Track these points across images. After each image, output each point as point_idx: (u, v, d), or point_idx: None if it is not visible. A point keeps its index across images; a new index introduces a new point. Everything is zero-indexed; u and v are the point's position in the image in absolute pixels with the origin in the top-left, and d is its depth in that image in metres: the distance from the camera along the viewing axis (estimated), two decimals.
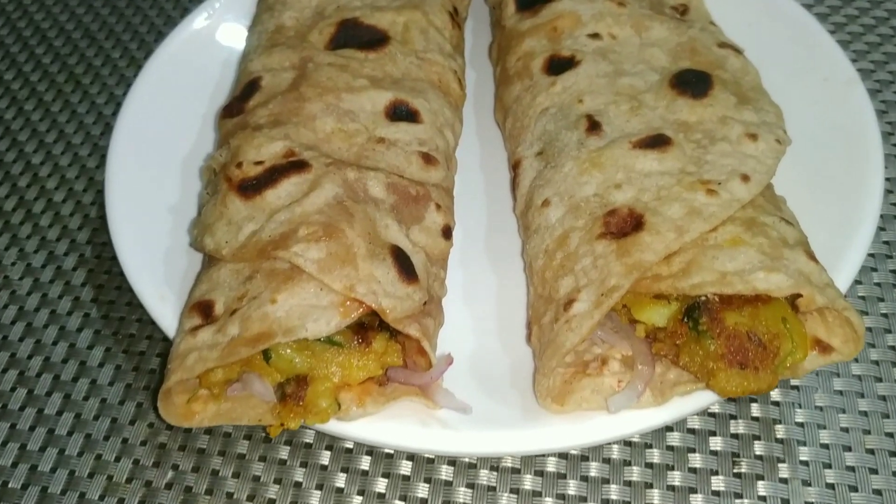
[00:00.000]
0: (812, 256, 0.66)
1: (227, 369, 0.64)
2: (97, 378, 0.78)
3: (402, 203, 0.73)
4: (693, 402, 0.65)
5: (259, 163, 0.72)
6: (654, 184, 0.70)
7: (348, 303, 0.63)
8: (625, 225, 0.67)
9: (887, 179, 0.86)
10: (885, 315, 0.78)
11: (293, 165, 0.71)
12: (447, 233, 0.75)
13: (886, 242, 0.83)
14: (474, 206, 0.86)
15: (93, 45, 1.13)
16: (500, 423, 0.66)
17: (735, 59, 0.86)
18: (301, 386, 0.64)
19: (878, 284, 0.80)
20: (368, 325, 0.65)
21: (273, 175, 0.70)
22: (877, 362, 0.75)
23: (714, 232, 0.66)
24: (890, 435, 0.71)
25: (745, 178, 0.69)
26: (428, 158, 0.77)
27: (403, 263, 0.67)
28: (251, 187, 0.70)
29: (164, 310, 0.73)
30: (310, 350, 0.64)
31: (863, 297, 0.80)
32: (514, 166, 0.80)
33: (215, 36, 1.00)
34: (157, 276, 0.76)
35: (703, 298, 0.63)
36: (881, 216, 0.79)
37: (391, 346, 0.66)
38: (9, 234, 0.91)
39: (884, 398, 0.73)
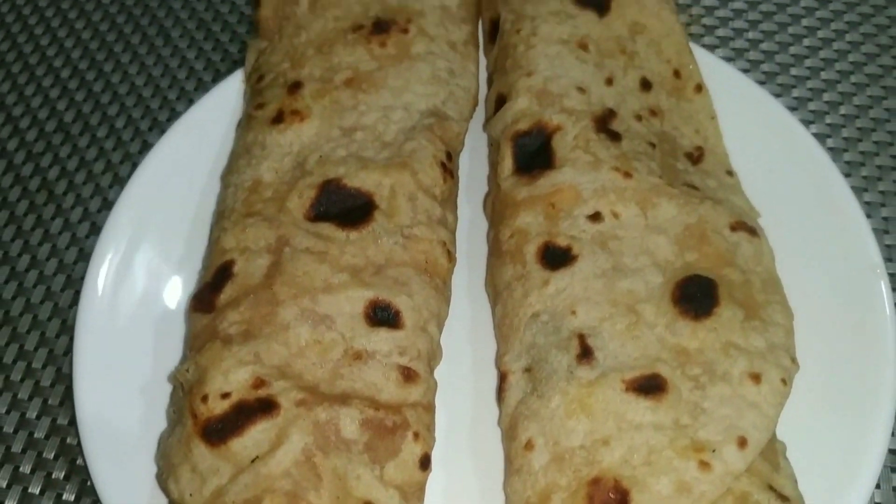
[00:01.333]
0: None
1: None
2: None
3: (376, 439, 0.69)
4: None
5: (226, 395, 0.68)
6: (644, 441, 0.65)
7: None
8: (609, 500, 0.63)
9: None
10: None
11: (261, 406, 0.67)
12: (425, 462, 0.71)
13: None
14: (460, 386, 0.80)
15: (68, 143, 1.06)
16: None
17: (748, 245, 0.79)
18: None
19: None
20: None
21: (239, 419, 0.66)
22: None
23: None
24: None
25: (743, 442, 0.64)
26: (408, 374, 0.72)
27: None
28: (216, 433, 0.66)
29: None
30: None
31: None
32: (501, 377, 0.75)
33: (188, 159, 0.93)
34: (126, 488, 0.73)
35: None
36: None
37: None
38: None
39: None
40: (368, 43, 0.92)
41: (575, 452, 0.66)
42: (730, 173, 0.88)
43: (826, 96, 1.03)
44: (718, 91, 0.93)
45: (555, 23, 0.91)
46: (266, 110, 0.89)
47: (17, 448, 0.84)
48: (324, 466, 0.65)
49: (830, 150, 0.98)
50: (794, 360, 0.71)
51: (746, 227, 0.80)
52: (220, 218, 0.84)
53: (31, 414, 0.86)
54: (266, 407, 0.67)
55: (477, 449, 0.78)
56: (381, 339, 0.73)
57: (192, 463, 0.66)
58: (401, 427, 0.70)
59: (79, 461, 0.83)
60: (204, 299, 0.76)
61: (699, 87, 0.93)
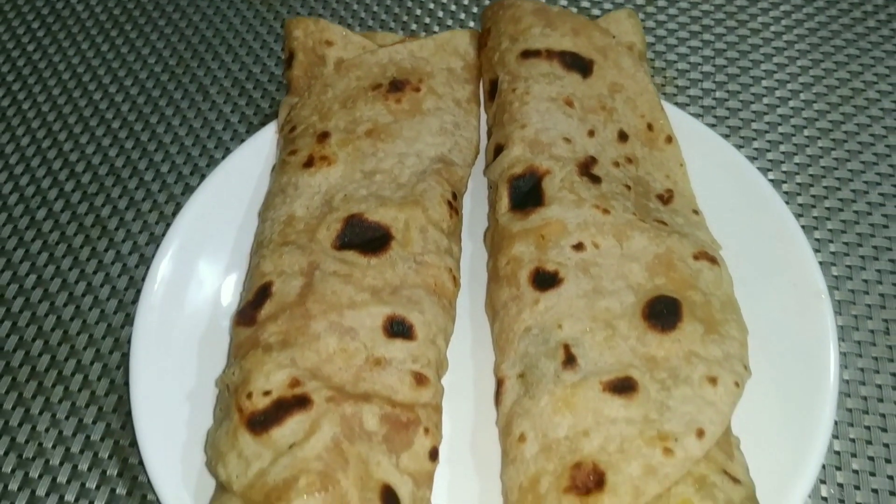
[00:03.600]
0: None
1: None
2: None
3: (393, 432, 0.81)
4: None
5: (267, 392, 0.81)
6: (618, 433, 0.78)
7: None
8: (588, 481, 0.75)
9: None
10: None
11: (297, 402, 0.79)
12: (434, 454, 0.83)
13: (823, 466, 0.90)
14: (463, 399, 0.93)
15: (124, 193, 1.20)
16: None
17: (709, 272, 0.92)
18: None
19: None
20: None
21: (279, 412, 0.79)
22: None
23: (667, 490, 0.74)
24: None
25: (701, 433, 0.77)
26: (419, 378, 0.85)
27: None
28: (259, 424, 0.78)
29: None
30: None
31: None
32: (498, 383, 0.88)
33: (227, 200, 1.07)
34: (176, 477, 0.85)
35: None
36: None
37: None
38: (42, 396, 1.00)
39: None
40: (386, 100, 1.08)
41: (560, 443, 0.79)
42: (696, 212, 1.02)
43: (782, 147, 1.18)
44: (687, 142, 1.07)
45: (545, 83, 1.06)
46: (298, 156, 1.04)
47: (75, 449, 0.96)
48: (350, 452, 0.77)
49: (786, 193, 1.13)
50: (746, 367, 0.84)
51: (708, 256, 0.94)
52: (259, 247, 0.97)
53: (88, 420, 0.98)
54: (301, 402, 0.80)
55: (477, 448, 0.90)
56: (397, 349, 0.86)
57: (238, 450, 0.78)
58: (413, 423, 0.83)
59: (130, 460, 0.95)
60: (246, 315, 0.90)
61: (669, 139, 1.07)
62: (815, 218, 1.11)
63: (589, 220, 0.94)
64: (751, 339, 0.88)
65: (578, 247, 0.93)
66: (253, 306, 0.90)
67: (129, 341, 0.98)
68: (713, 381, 0.81)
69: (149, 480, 0.86)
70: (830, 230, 1.10)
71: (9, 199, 1.20)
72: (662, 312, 0.86)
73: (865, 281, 1.05)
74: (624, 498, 0.73)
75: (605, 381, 0.81)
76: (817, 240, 1.09)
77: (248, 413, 0.80)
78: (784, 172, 1.16)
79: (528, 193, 0.98)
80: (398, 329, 0.87)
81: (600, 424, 0.78)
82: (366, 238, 0.95)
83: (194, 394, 0.93)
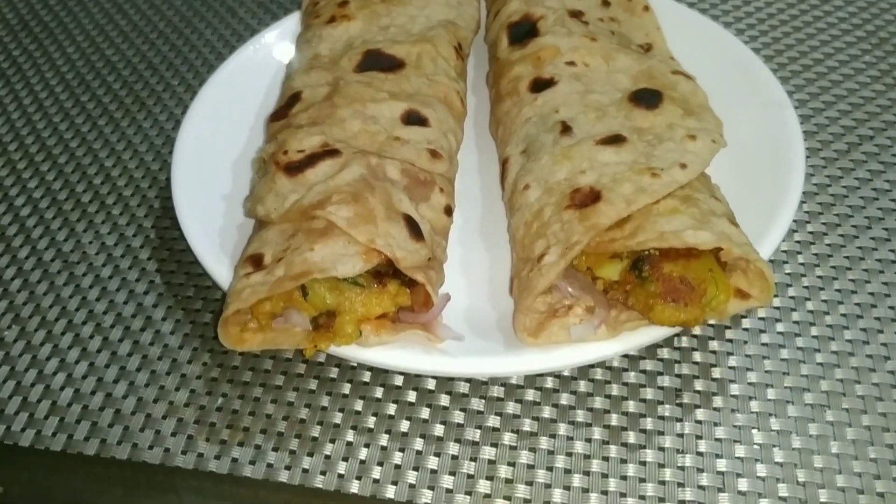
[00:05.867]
0: (734, 223, 0.83)
1: (273, 304, 0.82)
2: (161, 329, 0.95)
3: (413, 185, 0.91)
4: (638, 336, 0.82)
5: (301, 151, 0.91)
6: (611, 170, 0.88)
7: (370, 252, 0.81)
8: (586, 199, 0.85)
9: (804, 193, 1.02)
10: (792, 297, 0.95)
11: (328, 152, 0.90)
12: (448, 211, 0.93)
13: (798, 241, 1.01)
14: (472, 199, 1.04)
15: (155, 74, 1.35)
16: (486, 352, 0.83)
17: (686, 84, 1.05)
18: (331, 318, 0.81)
19: (789, 274, 0.97)
20: (385, 272, 0.83)
21: (312, 159, 0.89)
22: (797, 322, 0.92)
23: (657, 204, 0.84)
24: (805, 376, 0.87)
25: (684, 166, 0.87)
26: (435, 154, 0.96)
27: (413, 227, 0.85)
28: (295, 168, 0.89)
29: (221, 270, 0.91)
30: (339, 289, 0.81)
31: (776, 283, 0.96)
32: (503, 163, 0.99)
33: (259, 64, 1.21)
34: (215, 246, 0.94)
35: (647, 253, 0.81)
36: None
37: (402, 290, 0.83)
38: (86, 220, 1.10)
39: (801, 349, 0.89)
40: None
41: (560, 183, 0.89)
42: (672, 58, 1.16)
43: (758, 28, 1.34)
44: (662, 14, 1.23)
45: None
46: (321, 18, 1.18)
47: (117, 254, 1.05)
48: (376, 185, 0.87)
49: (762, 57, 1.27)
50: (721, 136, 0.95)
51: (684, 73, 1.07)
52: (288, 77, 1.10)
53: (129, 233, 1.07)
54: (332, 153, 0.90)
55: (486, 232, 1.00)
56: (414, 133, 0.97)
57: (276, 190, 0.88)
58: (430, 182, 0.93)
59: (166, 259, 1.04)
60: (279, 114, 1.01)
61: (646, 8, 1.23)
62: (782, 76, 1.25)
63: (579, 45, 1.07)
64: (728, 134, 0.99)
65: (571, 63, 1.06)
66: (285, 107, 1.02)
67: (166, 179, 1.09)
68: (693, 137, 0.92)
69: (189, 261, 0.94)
70: (794, 85, 1.24)
71: (55, 88, 1.33)
72: (646, 97, 0.98)
73: (827, 118, 1.18)
74: (619, 206, 0.83)
75: (597, 139, 0.92)
76: (789, 91, 1.22)
77: (284, 163, 0.90)
78: (761, 43, 1.31)
79: (525, 33, 1.13)
80: (415, 119, 0.99)
81: (594, 167, 0.89)
82: (383, 65, 1.08)
83: (230, 196, 1.03)
